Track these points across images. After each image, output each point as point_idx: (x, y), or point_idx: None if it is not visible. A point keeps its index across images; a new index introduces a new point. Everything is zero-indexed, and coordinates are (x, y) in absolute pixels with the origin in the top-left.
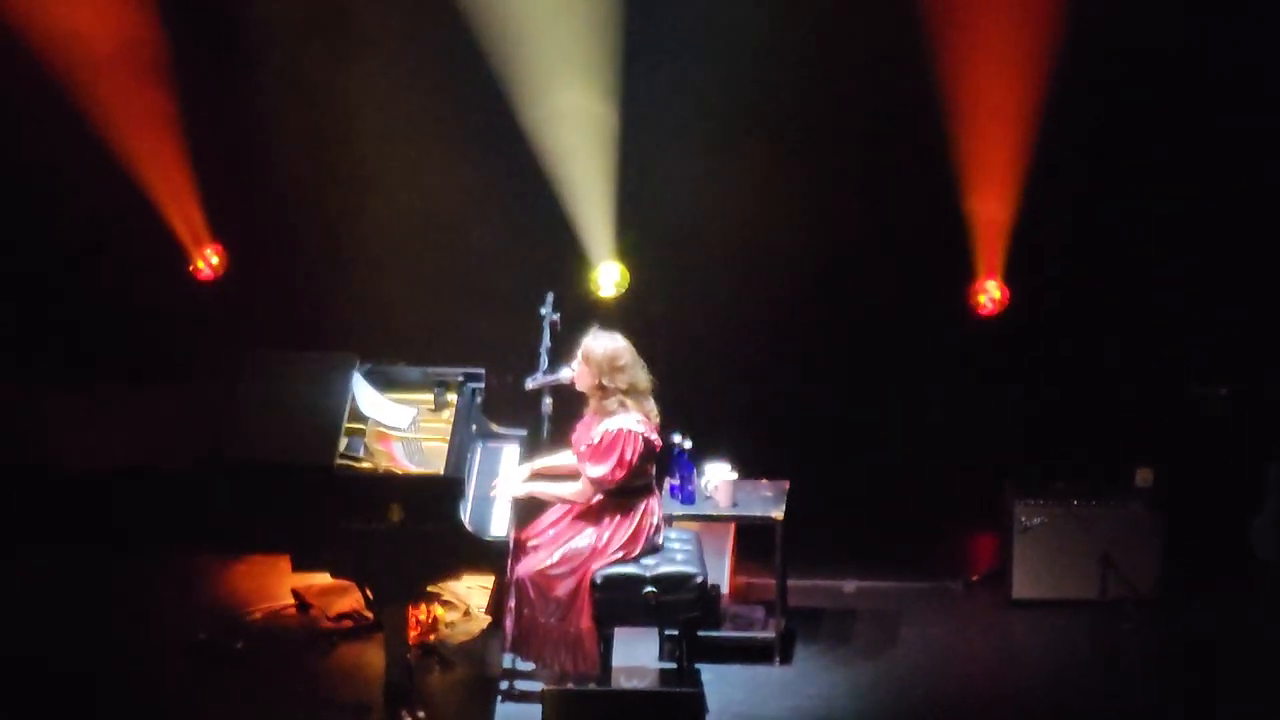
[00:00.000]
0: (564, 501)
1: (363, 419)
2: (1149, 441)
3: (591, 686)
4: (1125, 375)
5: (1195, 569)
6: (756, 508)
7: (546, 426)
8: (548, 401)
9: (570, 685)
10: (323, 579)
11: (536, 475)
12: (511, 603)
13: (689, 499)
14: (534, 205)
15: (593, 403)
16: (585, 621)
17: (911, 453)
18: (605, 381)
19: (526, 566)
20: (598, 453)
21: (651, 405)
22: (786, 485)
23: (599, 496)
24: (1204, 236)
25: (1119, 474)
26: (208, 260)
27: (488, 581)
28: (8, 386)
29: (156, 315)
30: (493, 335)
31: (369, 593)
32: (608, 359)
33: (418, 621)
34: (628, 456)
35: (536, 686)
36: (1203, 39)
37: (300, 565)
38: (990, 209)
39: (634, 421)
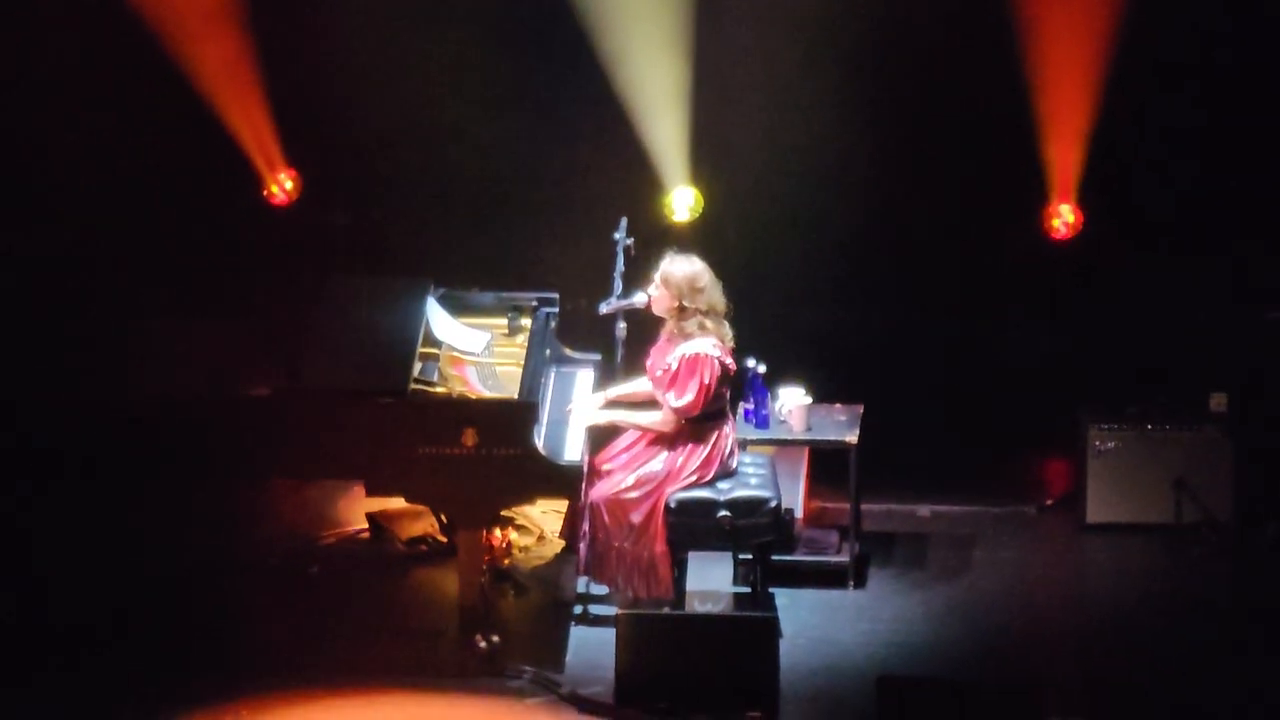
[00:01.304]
0: (646, 430)
1: (437, 344)
2: (1224, 365)
3: (665, 610)
4: (1200, 299)
5: (1269, 493)
6: (830, 432)
7: (620, 351)
8: (621, 326)
9: (644, 609)
10: (397, 503)
11: (611, 404)
12: (585, 527)
13: (763, 423)
14: (608, 130)
15: (670, 325)
16: (659, 546)
17: (985, 377)
18: (686, 303)
19: (600, 491)
20: (677, 380)
21: (727, 328)
22: (860, 409)
23: (681, 423)
24: None
25: (1193, 398)
26: (282, 185)
27: (562, 506)
28: (85, 318)
29: (230, 241)
30: (566, 260)
31: (443, 517)
32: (688, 280)
33: (492, 546)
34: (706, 382)
35: (610, 611)
36: None
37: (374, 490)
38: (1064, 133)
39: (710, 346)
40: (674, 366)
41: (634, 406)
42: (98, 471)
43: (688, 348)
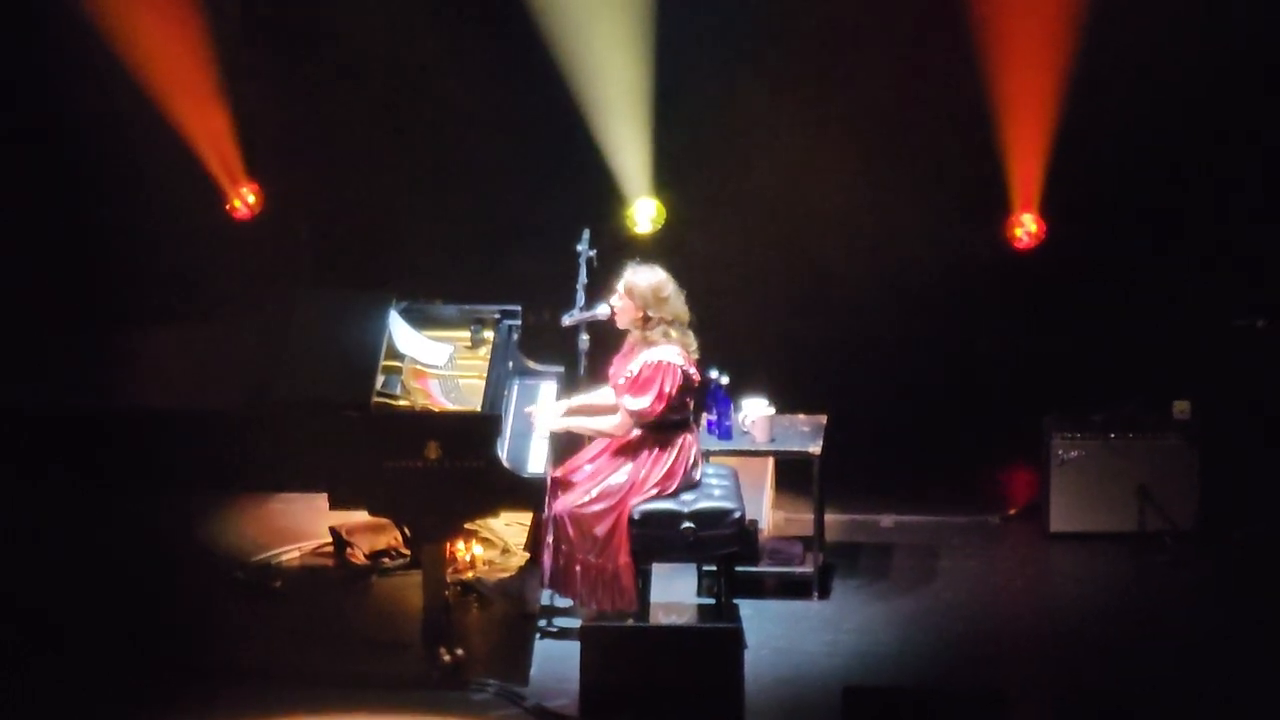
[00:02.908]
0: (603, 435)
1: (400, 357)
2: (1187, 374)
3: (630, 623)
4: (1162, 307)
5: (1233, 501)
6: (794, 443)
7: (583, 363)
8: (584, 338)
9: (608, 622)
10: (360, 517)
11: (574, 413)
12: (549, 539)
13: (726, 434)
14: (570, 142)
15: (634, 335)
16: (623, 558)
17: (948, 387)
18: (651, 312)
19: (564, 503)
20: (636, 385)
21: (691, 338)
22: (824, 420)
23: (637, 431)
24: (1244, 165)
25: (1156, 407)
26: (244, 199)
27: (525, 519)
28: (47, 330)
29: (193, 255)
30: (529, 272)
31: (407, 530)
32: (652, 290)
33: (455, 559)
34: (667, 389)
35: (575, 623)
36: None
37: (338, 503)
38: (1026, 143)
39: (673, 354)
40: (636, 372)
41: (596, 415)
42: (59, 483)
43: (650, 354)
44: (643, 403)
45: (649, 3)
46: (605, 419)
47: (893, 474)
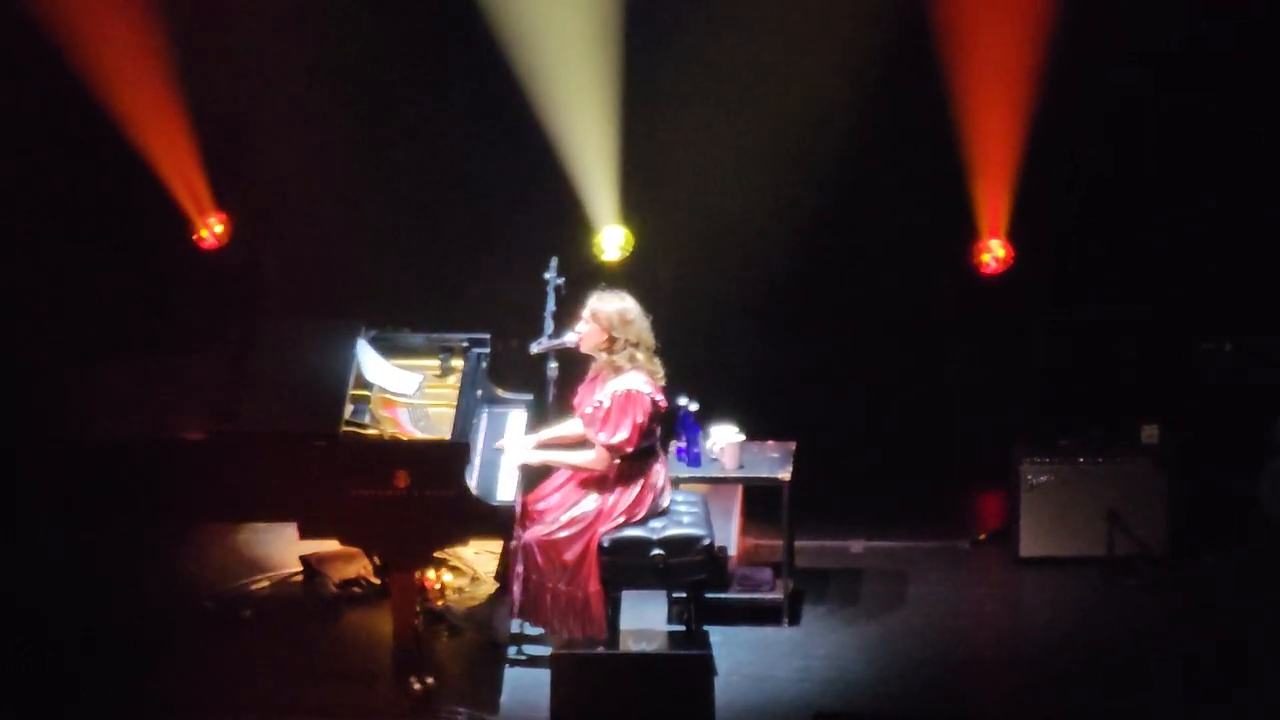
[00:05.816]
0: (581, 470)
1: (368, 386)
2: (1155, 398)
3: (600, 650)
4: (1130, 331)
5: (1202, 525)
6: (763, 469)
7: (552, 391)
8: (553, 366)
9: (578, 649)
10: (330, 546)
11: (544, 445)
12: (519, 568)
13: (695, 461)
14: (538, 170)
15: (600, 360)
16: (593, 585)
17: (917, 412)
18: (616, 334)
19: (533, 531)
20: (609, 418)
21: (657, 364)
22: (793, 446)
23: (615, 462)
24: (1209, 191)
25: (1125, 431)
26: (211, 229)
27: (495, 547)
28: (14, 361)
29: (160, 285)
30: (498, 300)
31: (376, 559)
32: (618, 314)
33: (425, 587)
34: (639, 420)
35: (545, 651)
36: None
37: (307, 532)
38: (993, 169)
39: (641, 382)
40: (605, 404)
41: (566, 447)
42: (26, 514)
43: (619, 384)
44: (619, 436)
45: (617, 30)
46: (582, 454)
47: (862, 499)
